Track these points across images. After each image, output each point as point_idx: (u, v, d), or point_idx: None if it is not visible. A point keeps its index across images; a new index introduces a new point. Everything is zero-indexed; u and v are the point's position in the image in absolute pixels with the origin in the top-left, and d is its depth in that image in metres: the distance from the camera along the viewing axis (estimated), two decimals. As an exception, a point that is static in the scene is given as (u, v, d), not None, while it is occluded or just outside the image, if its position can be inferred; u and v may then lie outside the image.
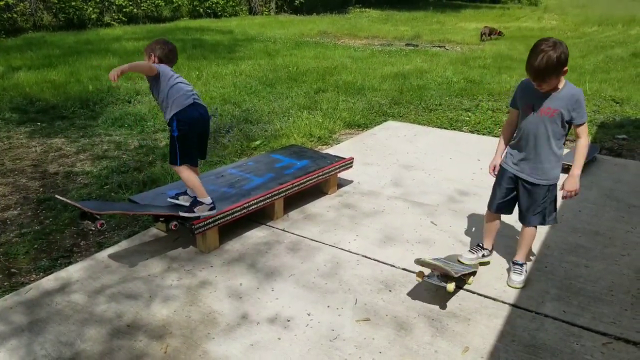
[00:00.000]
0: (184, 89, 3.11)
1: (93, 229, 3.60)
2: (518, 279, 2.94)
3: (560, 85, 2.64)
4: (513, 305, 2.77)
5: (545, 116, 2.67)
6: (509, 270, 3.05)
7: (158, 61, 3.13)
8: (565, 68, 2.54)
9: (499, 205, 2.98)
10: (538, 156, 2.75)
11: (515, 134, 2.86)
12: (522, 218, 2.94)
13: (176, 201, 3.35)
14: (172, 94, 3.06)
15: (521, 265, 2.98)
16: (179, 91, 3.07)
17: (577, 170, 2.72)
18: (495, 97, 7.64)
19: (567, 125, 2.70)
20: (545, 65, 2.46)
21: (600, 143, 5.58)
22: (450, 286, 2.67)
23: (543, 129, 2.69)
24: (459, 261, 3.07)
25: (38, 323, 2.60)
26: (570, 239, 3.49)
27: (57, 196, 3.12)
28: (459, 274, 2.71)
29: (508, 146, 2.94)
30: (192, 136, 3.15)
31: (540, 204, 2.83)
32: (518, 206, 2.95)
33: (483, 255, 3.12)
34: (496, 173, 3.02)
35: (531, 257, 3.23)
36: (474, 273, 2.97)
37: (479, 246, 3.14)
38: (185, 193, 3.38)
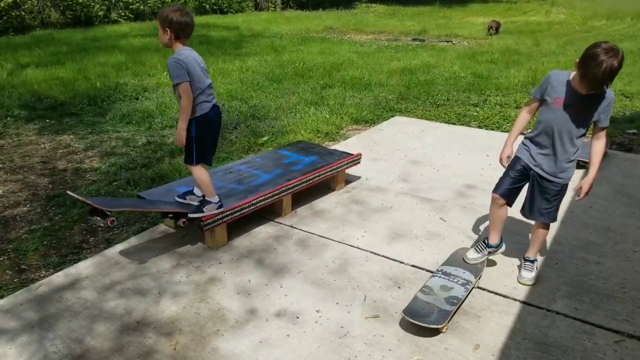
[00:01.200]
0: (208, 92, 3.04)
1: (102, 225, 3.59)
2: (528, 275, 2.91)
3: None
4: (524, 303, 2.75)
5: (577, 115, 2.60)
6: (519, 266, 3.02)
7: (175, 37, 2.92)
8: None
9: (507, 190, 2.88)
10: (559, 154, 2.69)
11: (535, 127, 2.77)
12: (530, 213, 2.90)
13: (184, 201, 3.35)
14: (199, 99, 2.99)
15: (532, 262, 2.95)
16: (203, 95, 3.00)
17: (595, 172, 2.68)
18: (503, 92, 7.58)
19: (590, 126, 2.66)
20: (609, 76, 2.39)
21: (610, 138, 5.52)
22: None
23: (570, 127, 2.62)
24: (463, 260, 3.01)
25: (48, 319, 2.61)
26: (581, 235, 3.45)
27: (68, 192, 3.11)
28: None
29: (525, 138, 2.86)
30: (208, 136, 3.14)
31: (551, 201, 2.80)
32: (527, 200, 2.91)
33: (489, 253, 3.03)
34: (507, 164, 2.94)
35: (539, 254, 3.20)
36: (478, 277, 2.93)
37: (484, 243, 3.05)
38: (192, 192, 3.38)
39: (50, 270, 3.13)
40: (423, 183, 4.33)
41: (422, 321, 2.49)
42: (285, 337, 2.49)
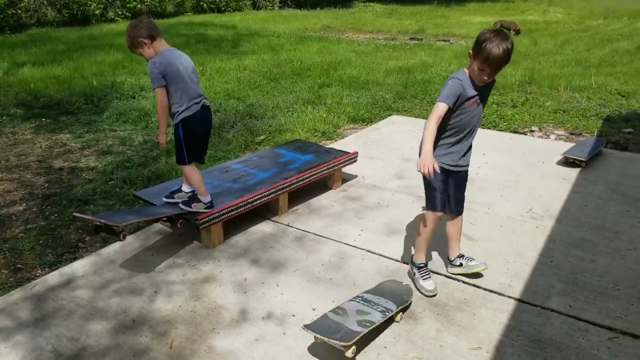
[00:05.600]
0: (195, 92, 3.04)
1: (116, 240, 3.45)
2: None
3: None
4: (518, 300, 2.76)
5: (483, 105, 2.74)
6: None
7: (150, 41, 2.92)
8: None
9: (443, 202, 2.89)
10: (470, 146, 2.82)
11: (450, 131, 2.69)
12: (459, 209, 2.97)
13: (172, 200, 3.35)
14: (182, 100, 3.00)
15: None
16: (186, 95, 3.01)
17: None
18: (499, 91, 7.59)
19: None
20: (509, 55, 2.50)
21: (606, 137, 5.54)
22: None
23: (479, 120, 2.76)
24: (420, 292, 2.80)
25: (44, 318, 2.61)
26: (576, 233, 3.47)
27: (75, 214, 2.97)
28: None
29: (440, 145, 2.73)
30: (197, 135, 3.15)
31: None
32: (453, 199, 2.92)
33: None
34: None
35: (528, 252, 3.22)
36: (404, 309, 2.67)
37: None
38: (180, 190, 3.38)
39: (46, 269, 3.13)
40: (419, 181, 4.29)
41: (326, 337, 2.27)
42: (281, 335, 2.50)
